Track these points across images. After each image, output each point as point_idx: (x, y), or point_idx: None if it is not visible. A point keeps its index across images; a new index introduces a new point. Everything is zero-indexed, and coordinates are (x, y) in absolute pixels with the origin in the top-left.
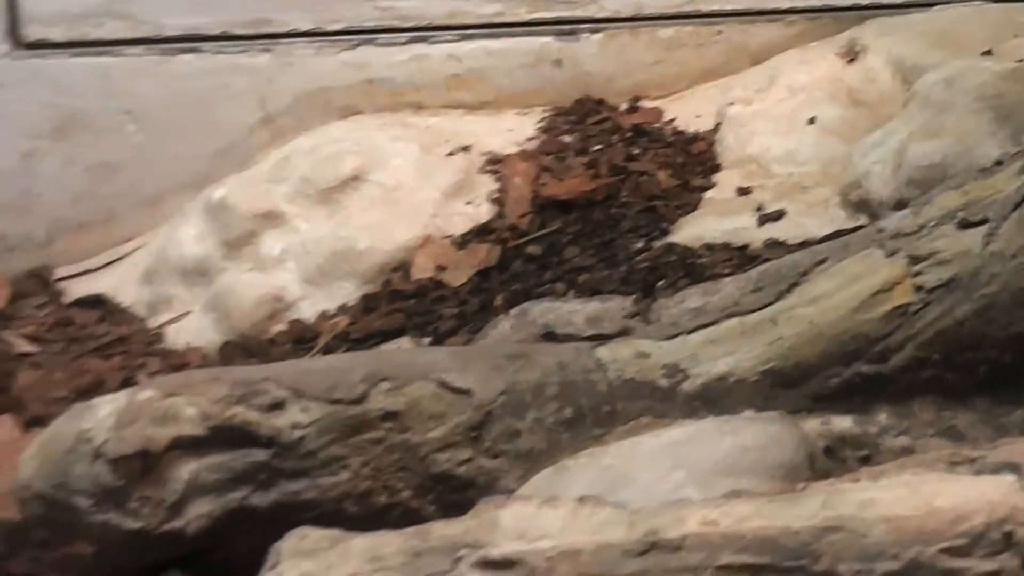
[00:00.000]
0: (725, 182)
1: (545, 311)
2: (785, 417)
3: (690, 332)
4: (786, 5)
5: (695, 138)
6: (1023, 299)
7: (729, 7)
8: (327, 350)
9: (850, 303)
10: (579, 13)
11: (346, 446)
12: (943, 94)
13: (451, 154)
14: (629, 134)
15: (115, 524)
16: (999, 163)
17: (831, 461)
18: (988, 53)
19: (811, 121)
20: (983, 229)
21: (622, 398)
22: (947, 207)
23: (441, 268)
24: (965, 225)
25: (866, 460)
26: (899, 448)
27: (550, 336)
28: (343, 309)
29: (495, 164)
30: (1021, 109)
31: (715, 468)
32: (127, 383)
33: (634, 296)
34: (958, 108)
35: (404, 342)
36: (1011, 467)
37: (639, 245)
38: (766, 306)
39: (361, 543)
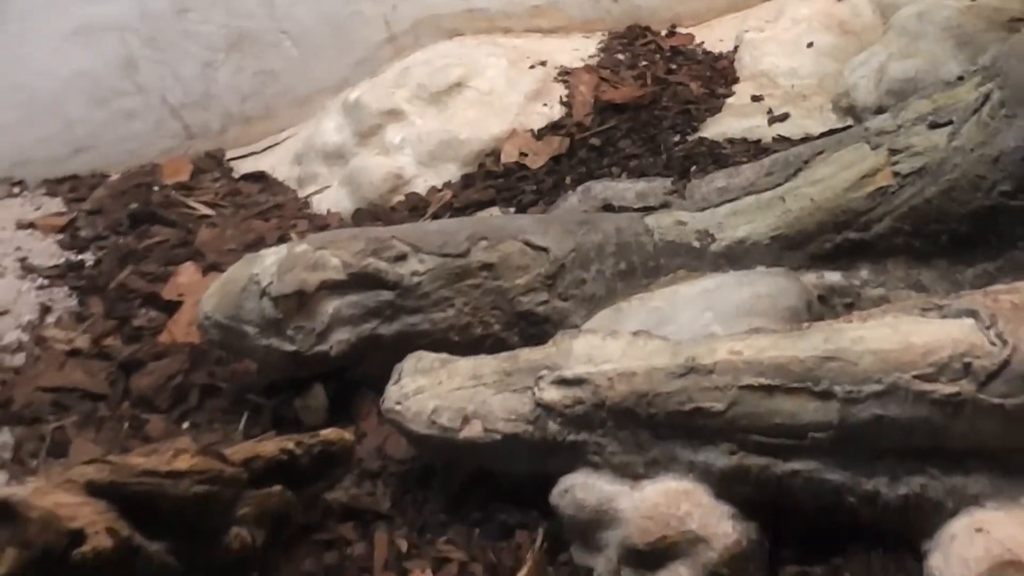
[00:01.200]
0: (742, 91)
1: (604, 188)
2: (790, 272)
3: (717, 206)
4: None
5: (719, 57)
6: (978, 184)
7: None
8: (436, 216)
9: (842, 185)
10: None
11: (452, 289)
12: (916, 25)
13: (532, 67)
14: (668, 53)
15: (276, 347)
16: (960, 78)
17: (824, 306)
18: None
19: (810, 45)
20: (948, 129)
21: (664, 255)
22: (919, 112)
23: (523, 154)
24: (934, 126)
25: (850, 307)
26: (876, 297)
27: (608, 208)
28: (448, 185)
29: (565, 75)
30: (977, 37)
31: (736, 311)
32: (283, 239)
33: (673, 178)
34: (928, 36)
35: (495, 211)
36: (970, 313)
37: (676, 139)
38: (776, 186)
39: (464, 364)
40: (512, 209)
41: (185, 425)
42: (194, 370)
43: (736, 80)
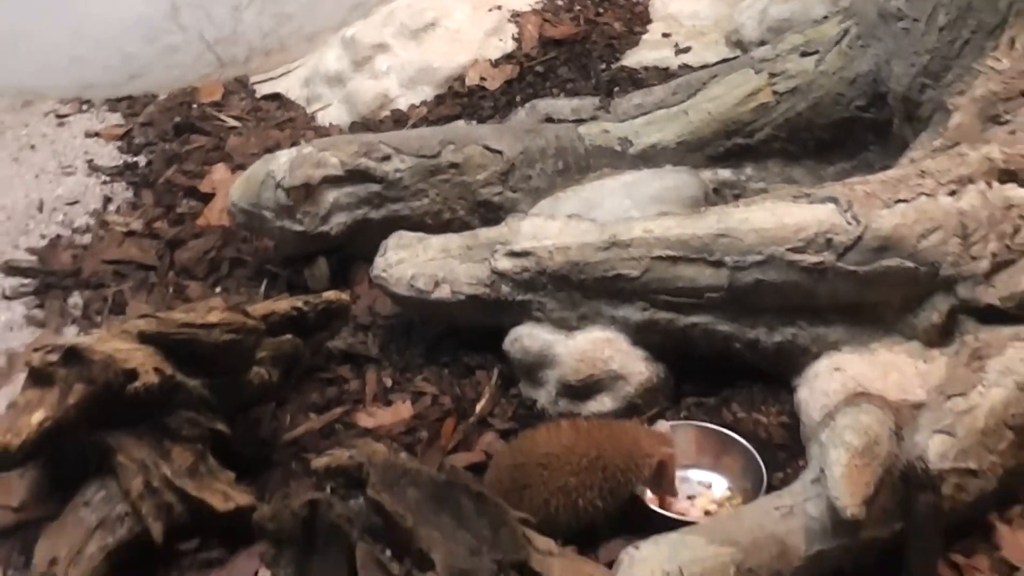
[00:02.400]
0: (655, 30)
1: (546, 105)
2: (691, 169)
3: (634, 118)
4: None
5: (636, 3)
6: (839, 100)
7: None
8: (414, 126)
9: (732, 101)
10: None
11: (427, 183)
12: None
13: (490, 11)
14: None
15: (288, 228)
16: (826, 18)
17: (717, 196)
18: None
19: None
20: (815, 57)
21: (593, 157)
22: (793, 44)
23: (483, 79)
24: (804, 55)
25: (737, 196)
26: (758, 189)
27: (549, 120)
28: (424, 103)
29: (516, 17)
30: None
31: (650, 199)
32: (294, 145)
33: (600, 97)
34: None
35: (461, 123)
36: (832, 199)
37: (603, 67)
38: (681, 103)
39: (436, 240)
40: (474, 121)
41: (217, 290)
42: (225, 246)
43: (650, 21)
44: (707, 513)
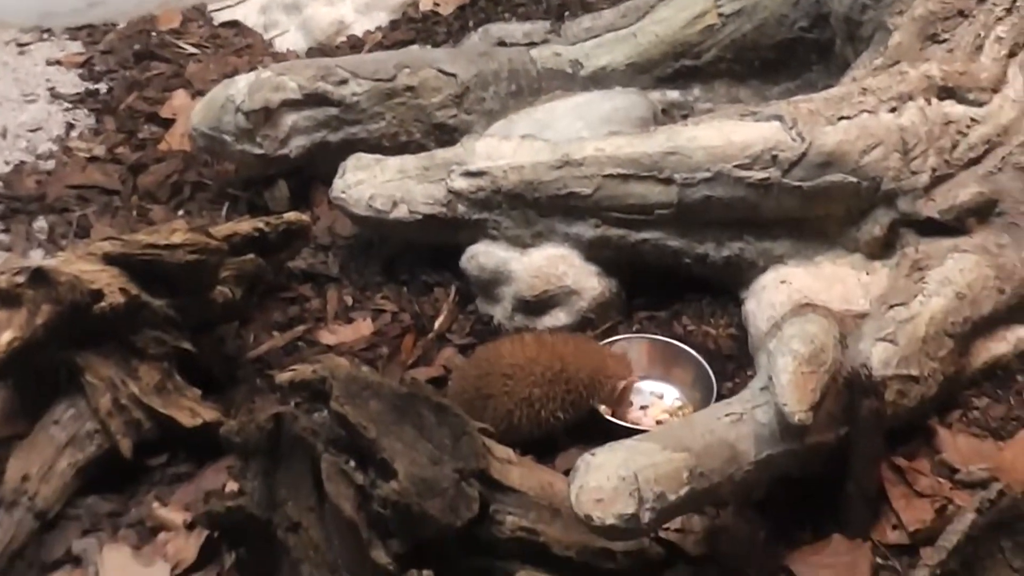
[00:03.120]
0: None
1: (499, 29)
2: (640, 91)
3: (585, 41)
4: None
5: None
6: (782, 21)
7: None
8: (370, 52)
9: (680, 24)
10: None
11: (383, 106)
12: None
13: None
14: None
15: (248, 151)
16: None
17: (666, 117)
18: None
19: None
20: None
21: (545, 79)
22: None
23: (437, 4)
24: None
25: (685, 117)
26: (705, 109)
27: (502, 44)
28: (379, 28)
29: None
30: None
31: (600, 120)
32: (253, 70)
33: (551, 21)
34: None
35: (416, 47)
36: (777, 117)
37: None
38: (630, 26)
39: (393, 162)
40: (428, 46)
41: (180, 213)
42: (187, 170)
43: None
44: (659, 423)
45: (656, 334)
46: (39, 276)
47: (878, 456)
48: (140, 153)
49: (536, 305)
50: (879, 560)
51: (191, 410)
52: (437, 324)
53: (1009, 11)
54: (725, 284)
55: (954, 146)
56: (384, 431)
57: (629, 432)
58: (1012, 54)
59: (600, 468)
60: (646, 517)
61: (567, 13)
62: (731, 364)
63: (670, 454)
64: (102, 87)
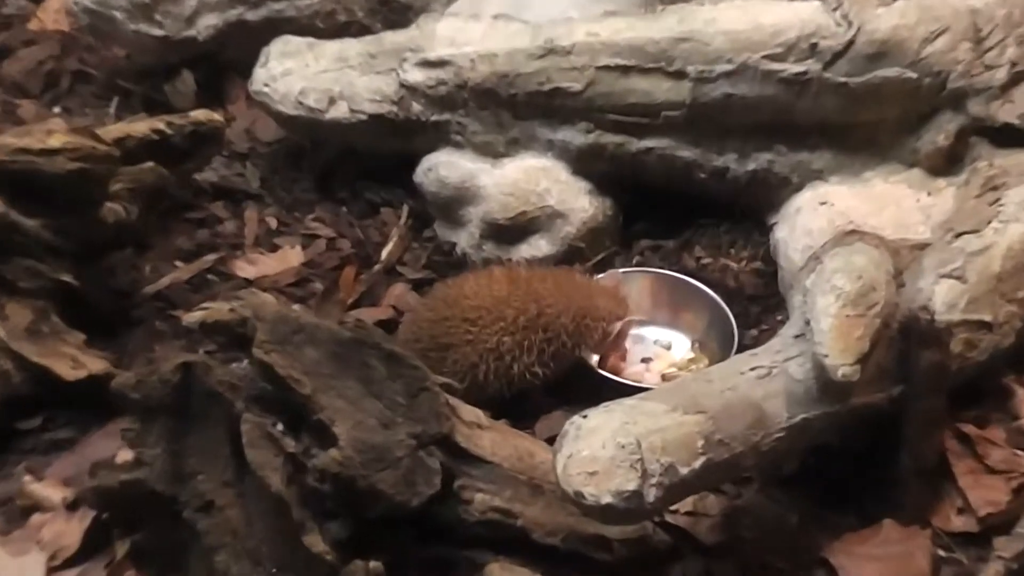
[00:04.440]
0: None
1: None
2: None
3: None
4: None
5: None
6: None
7: None
8: None
9: None
10: None
11: None
12: None
13: None
14: None
15: (144, 32)
16: None
17: None
18: None
19: None
20: None
21: None
22: None
23: None
24: None
25: None
26: None
27: None
28: None
29: None
30: None
31: None
32: None
33: None
34: None
35: None
36: None
37: None
38: None
39: (331, 47)
40: None
41: (56, 109)
42: (65, 56)
43: None
44: (665, 378)
45: (662, 268)
46: None
47: (940, 422)
48: (5, 34)
49: (511, 230)
50: (941, 551)
51: (73, 359)
52: (384, 254)
53: None
54: (749, 206)
55: None
56: (321, 386)
57: (628, 390)
58: None
59: (593, 433)
60: (651, 495)
61: None
62: (756, 306)
63: (681, 416)
64: None
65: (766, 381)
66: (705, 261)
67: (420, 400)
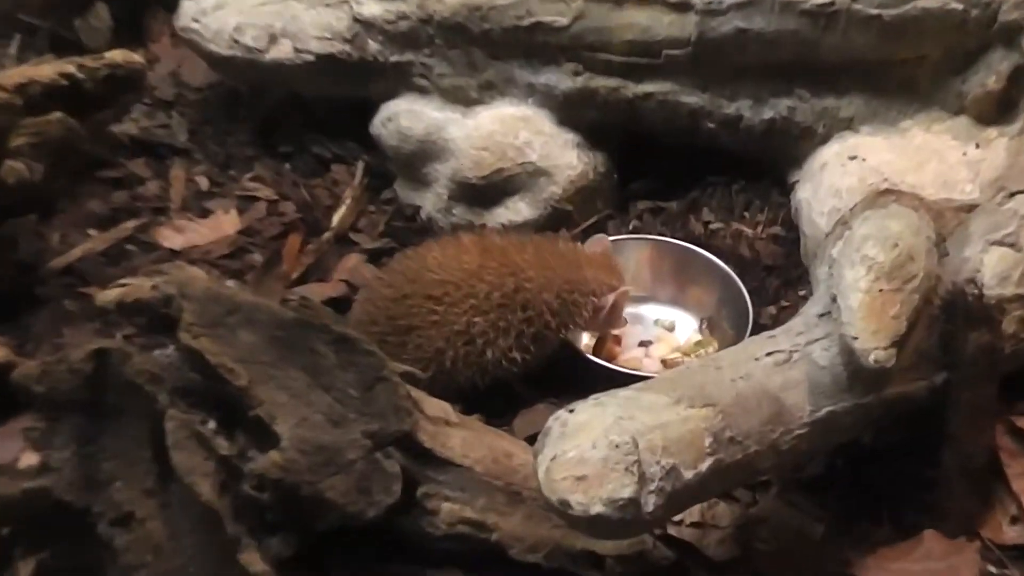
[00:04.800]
0: None
1: None
2: None
3: None
4: None
5: None
6: None
7: None
8: None
9: None
10: None
11: None
12: None
13: None
14: None
15: None
16: None
17: None
18: None
19: None
20: None
21: None
22: None
23: None
24: None
25: None
26: None
27: None
28: None
29: None
30: None
31: None
32: None
33: None
34: None
35: None
36: None
37: None
38: None
39: None
40: None
41: None
42: None
43: None
44: (667, 365)
45: (664, 235)
46: None
47: (991, 415)
48: None
49: (486, 191)
50: (991, 567)
51: None
52: (336, 219)
53: None
54: (767, 161)
55: None
56: (260, 376)
57: (624, 379)
58: None
59: (582, 431)
60: (650, 503)
61: None
62: (774, 279)
63: (686, 410)
64: None
65: (786, 368)
66: (715, 226)
67: (376, 392)
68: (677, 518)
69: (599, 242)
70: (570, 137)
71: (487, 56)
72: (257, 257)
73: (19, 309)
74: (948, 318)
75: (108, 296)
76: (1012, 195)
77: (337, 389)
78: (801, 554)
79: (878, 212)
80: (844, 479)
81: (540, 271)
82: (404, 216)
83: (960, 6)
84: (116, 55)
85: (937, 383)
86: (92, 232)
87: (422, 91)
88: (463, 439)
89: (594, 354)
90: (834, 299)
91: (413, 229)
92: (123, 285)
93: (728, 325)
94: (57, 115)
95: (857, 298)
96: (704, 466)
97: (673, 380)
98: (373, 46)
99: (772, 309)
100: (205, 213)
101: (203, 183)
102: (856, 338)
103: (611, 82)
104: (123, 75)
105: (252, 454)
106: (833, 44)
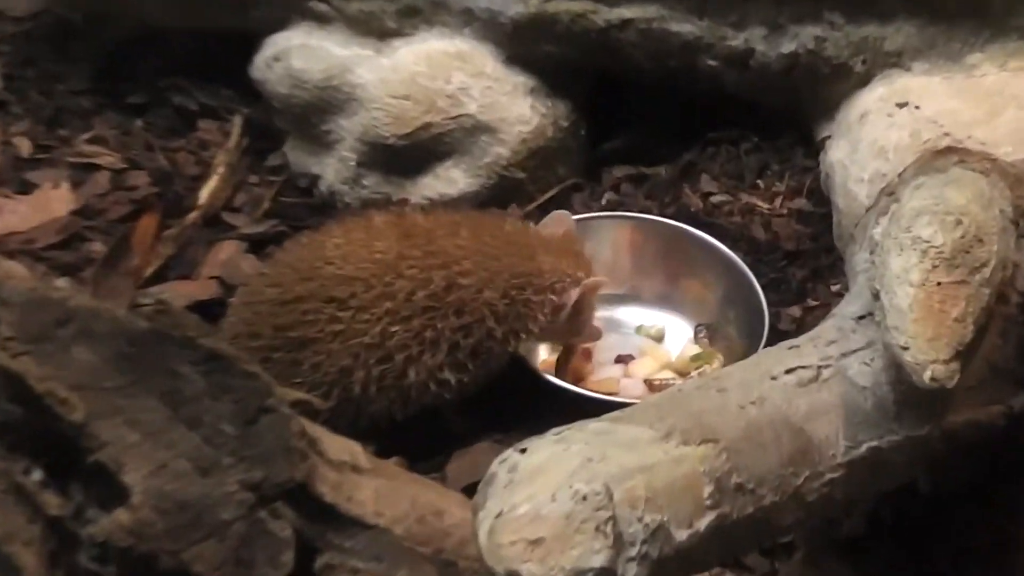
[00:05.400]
0: None
1: None
2: None
3: None
4: None
5: None
6: None
7: None
8: None
9: None
10: None
11: None
12: None
13: None
14: None
15: None
16: None
17: None
18: None
19: None
20: None
21: None
22: None
23: None
24: None
25: None
26: None
27: None
28: None
29: None
30: None
31: None
32: None
33: None
34: None
35: None
36: None
37: None
38: None
39: None
40: None
41: None
42: None
43: None
44: (653, 387)
45: (650, 212)
46: None
47: None
48: None
49: (406, 154)
50: None
51: None
52: (205, 194)
53: None
54: (786, 111)
55: None
56: (102, 408)
57: (595, 406)
58: None
59: (538, 478)
60: (630, 574)
61: None
62: (798, 269)
63: (678, 448)
64: None
65: (813, 389)
66: (717, 199)
67: (260, 428)
68: None
69: (560, 221)
70: (521, 81)
71: None
72: (98, 246)
73: None
74: None
75: None
76: None
77: (207, 425)
78: None
79: (936, 179)
80: (893, 539)
81: (480, 261)
82: (297, 189)
83: None
84: None
85: (1016, 408)
86: None
87: (321, 19)
88: (377, 491)
89: (555, 374)
90: (877, 296)
91: (309, 207)
92: None
93: (736, 332)
94: None
95: (908, 294)
96: (703, 523)
97: (661, 407)
98: None
99: (795, 310)
100: (27, 187)
101: (24, 146)
102: (906, 348)
103: (576, 5)
104: None
105: (92, 514)
106: None
